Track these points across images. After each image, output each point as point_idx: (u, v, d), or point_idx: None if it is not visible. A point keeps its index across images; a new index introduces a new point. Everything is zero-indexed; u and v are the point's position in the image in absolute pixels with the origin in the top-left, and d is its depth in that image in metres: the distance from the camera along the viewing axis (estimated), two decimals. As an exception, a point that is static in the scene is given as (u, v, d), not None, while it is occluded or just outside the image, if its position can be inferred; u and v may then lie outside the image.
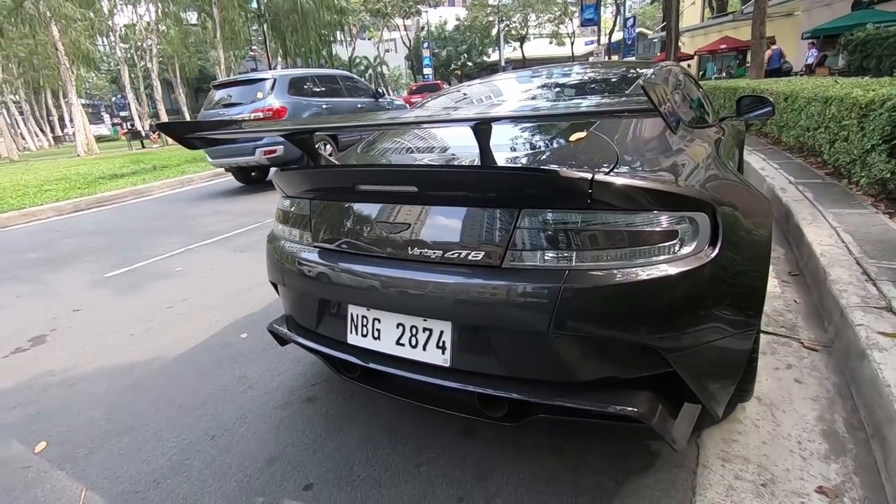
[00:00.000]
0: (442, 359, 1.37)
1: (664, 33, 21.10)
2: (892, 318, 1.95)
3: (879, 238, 2.82)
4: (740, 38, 22.09)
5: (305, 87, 7.70)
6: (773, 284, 2.81)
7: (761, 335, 2.23)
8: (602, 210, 1.20)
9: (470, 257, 1.31)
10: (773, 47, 19.80)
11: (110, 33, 25.97)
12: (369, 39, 48.33)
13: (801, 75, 17.22)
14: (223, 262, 4.06)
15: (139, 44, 29.82)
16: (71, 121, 31.88)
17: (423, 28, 47.33)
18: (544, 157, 1.53)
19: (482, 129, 1.22)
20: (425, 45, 40.18)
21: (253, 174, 8.34)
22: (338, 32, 31.72)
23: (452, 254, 1.33)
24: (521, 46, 46.26)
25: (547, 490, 1.49)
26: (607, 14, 39.22)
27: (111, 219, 6.54)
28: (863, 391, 1.73)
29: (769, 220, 1.57)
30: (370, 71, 52.12)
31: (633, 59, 21.62)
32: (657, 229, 1.22)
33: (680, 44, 30.39)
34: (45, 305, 3.43)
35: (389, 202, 1.46)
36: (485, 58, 49.50)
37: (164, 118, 22.81)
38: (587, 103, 1.43)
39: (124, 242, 5.05)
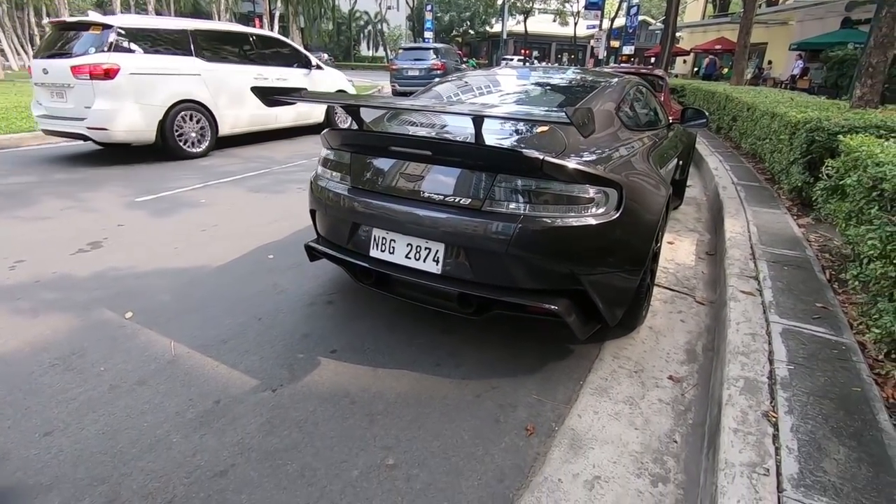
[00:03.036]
0: (436, 268, 2.07)
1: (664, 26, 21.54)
2: (754, 283, 2.74)
3: (776, 231, 3.61)
4: (735, 40, 22.71)
5: (446, 53, 15.89)
6: (690, 259, 3.59)
7: (668, 291, 3.01)
8: (548, 179, 1.89)
9: (461, 202, 1.99)
10: (710, 56, 24.20)
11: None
12: (372, -6, 47.21)
13: (786, 86, 18.10)
14: (243, 199, 4.66)
15: (133, -30, 28.72)
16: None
17: (428, -11, 46.34)
18: (518, 140, 2.21)
19: (476, 119, 1.89)
20: (428, 7, 39.54)
21: None
22: (341, -17, 31.12)
23: (449, 198, 2.02)
24: (525, 21, 45.87)
25: (496, 364, 2.24)
26: (613, -3, 39.07)
27: (122, 152, 6.93)
28: (718, 326, 2.52)
29: (661, 205, 2.31)
30: (369, 27, 51.05)
31: (629, 54, 22.11)
32: (582, 195, 1.92)
33: (679, 37, 30.84)
34: (91, 218, 4.00)
35: (410, 160, 2.13)
36: (487, 27, 48.96)
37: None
38: (539, 111, 2.08)
39: (144, 174, 5.55)
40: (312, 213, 2.58)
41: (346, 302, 2.75)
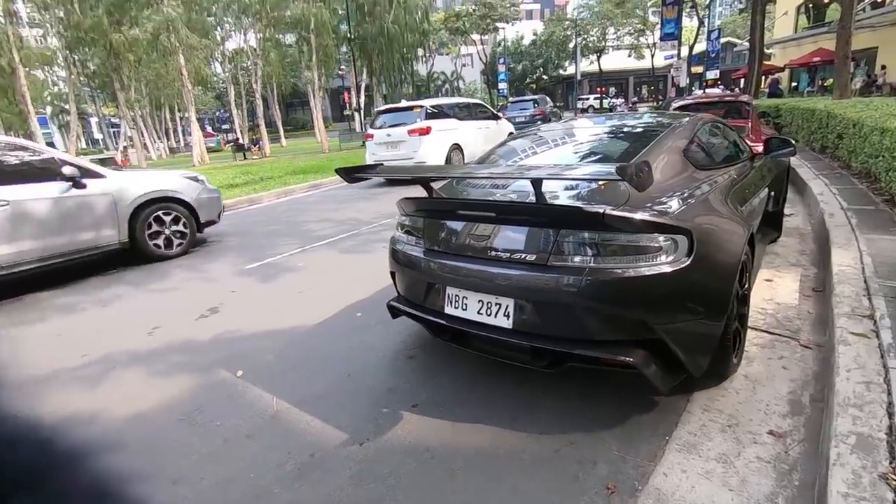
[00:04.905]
0: (507, 323, 2.13)
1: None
2: (868, 324, 2.46)
3: (897, 261, 3.21)
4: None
5: (542, 102, 23.53)
6: (793, 298, 3.29)
7: (767, 335, 2.80)
8: (611, 231, 1.92)
9: (527, 258, 2.07)
10: (773, 76, 26.32)
11: (221, 57, 29.46)
12: (447, 55, 50.21)
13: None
14: (334, 261, 5.09)
15: (244, 65, 33.43)
16: (186, 133, 36.14)
17: (499, 43, 48.41)
18: (580, 195, 2.27)
19: (534, 181, 1.99)
20: (501, 60, 41.17)
21: None
22: (419, 50, 33.67)
23: (516, 255, 2.11)
24: (599, 60, 45.90)
25: (575, 417, 2.21)
26: (693, 22, 37.79)
27: (236, 223, 7.92)
28: (827, 374, 2.28)
29: (739, 245, 2.20)
30: (447, 86, 53.99)
31: (715, 78, 21.26)
32: (649, 244, 1.92)
33: (770, 53, 28.94)
34: (209, 287, 4.60)
35: (477, 221, 2.27)
36: (560, 71, 49.63)
37: (264, 131, 25.48)
38: (598, 167, 2.17)
39: (253, 243, 6.29)
40: (392, 273, 2.79)
41: (427, 356, 2.88)
